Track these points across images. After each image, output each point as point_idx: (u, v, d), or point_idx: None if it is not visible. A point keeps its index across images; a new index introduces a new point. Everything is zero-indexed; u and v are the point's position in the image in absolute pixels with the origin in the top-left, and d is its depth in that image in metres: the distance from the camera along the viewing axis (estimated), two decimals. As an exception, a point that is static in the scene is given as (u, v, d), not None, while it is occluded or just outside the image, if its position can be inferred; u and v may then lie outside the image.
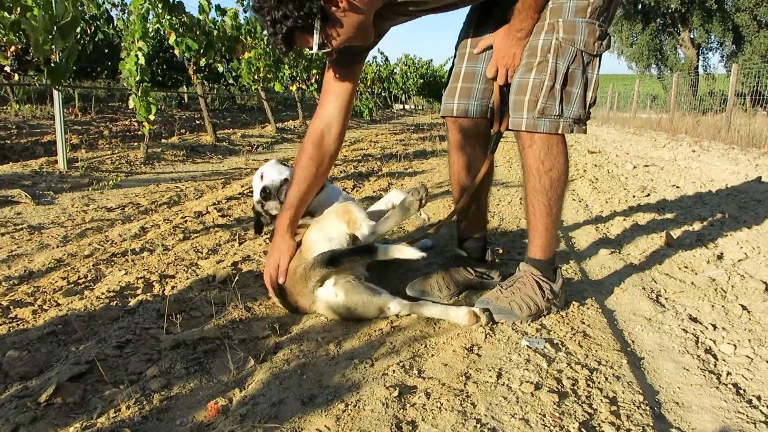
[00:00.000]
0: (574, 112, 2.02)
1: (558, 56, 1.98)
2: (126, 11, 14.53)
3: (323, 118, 2.29)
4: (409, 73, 25.35)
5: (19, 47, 4.55)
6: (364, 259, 2.22)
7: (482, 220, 2.56)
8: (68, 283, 2.63)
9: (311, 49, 1.89)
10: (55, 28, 4.60)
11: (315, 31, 1.84)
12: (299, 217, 2.33)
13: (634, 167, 6.86)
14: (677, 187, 5.43)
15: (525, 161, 2.12)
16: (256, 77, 10.06)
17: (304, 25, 1.82)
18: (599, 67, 2.05)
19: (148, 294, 2.50)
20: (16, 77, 4.89)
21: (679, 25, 24.42)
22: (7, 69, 4.65)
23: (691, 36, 24.43)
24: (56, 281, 2.66)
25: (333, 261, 2.12)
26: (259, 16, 1.87)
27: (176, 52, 7.65)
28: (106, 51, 13.00)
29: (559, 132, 2.04)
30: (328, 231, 2.26)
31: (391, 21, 2.18)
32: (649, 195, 4.97)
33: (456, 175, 2.50)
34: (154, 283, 2.63)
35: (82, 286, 2.62)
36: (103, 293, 2.48)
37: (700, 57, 25.15)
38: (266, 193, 2.57)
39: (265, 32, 9.74)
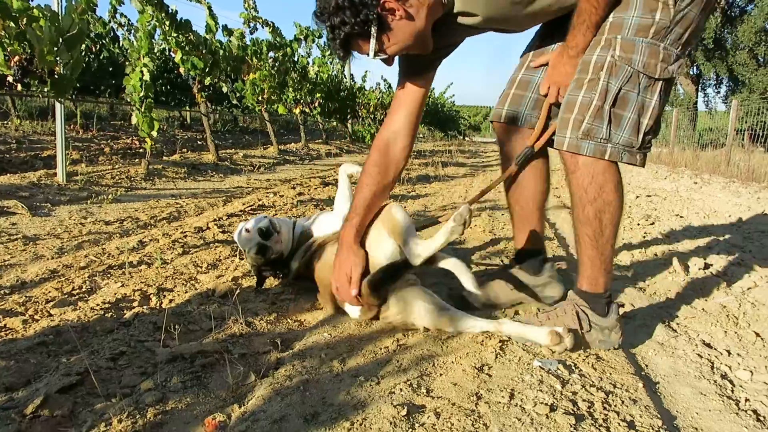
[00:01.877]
0: (625, 137, 1.87)
1: (611, 75, 1.86)
2: (132, 31, 14.62)
3: (390, 129, 2.24)
4: (411, 101, 25.39)
5: (23, 57, 4.52)
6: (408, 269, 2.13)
7: (537, 234, 2.43)
8: (62, 294, 2.56)
9: (368, 55, 1.88)
10: (60, 39, 4.58)
11: (372, 38, 1.84)
12: (365, 226, 2.22)
13: (637, 197, 6.81)
14: (681, 216, 5.37)
15: (570, 188, 2.00)
16: (260, 98, 10.06)
17: (361, 32, 1.83)
18: (662, 94, 1.89)
19: (145, 307, 2.42)
20: (19, 87, 4.84)
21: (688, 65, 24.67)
22: (10, 79, 4.60)
23: (691, 72, 24.64)
24: (49, 292, 2.58)
25: (378, 286, 2.08)
26: (320, 22, 1.89)
27: (181, 70, 7.64)
28: (111, 69, 13.02)
29: (606, 158, 1.88)
30: (380, 242, 2.17)
31: (454, 31, 2.13)
32: (653, 224, 4.91)
33: (511, 195, 2.45)
34: (151, 296, 2.55)
35: (77, 297, 2.54)
36: (97, 304, 2.41)
37: (699, 93, 25.33)
38: (265, 232, 2.58)
39: (323, 40, 9.92)
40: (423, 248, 2.05)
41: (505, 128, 2.37)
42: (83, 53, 10.04)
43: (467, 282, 2.06)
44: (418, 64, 2.16)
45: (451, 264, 2.11)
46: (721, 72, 23.23)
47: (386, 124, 2.27)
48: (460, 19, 2.03)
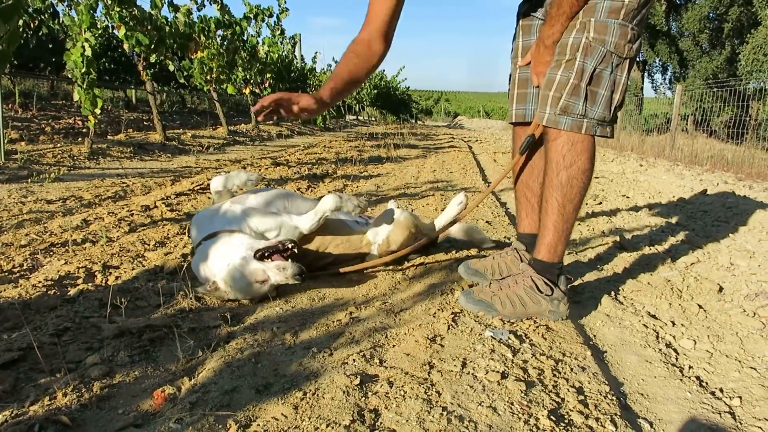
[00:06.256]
0: (599, 113, 1.97)
1: (586, 55, 1.94)
2: (73, 6, 14.06)
3: (370, 31, 2.28)
4: (362, 84, 25.29)
5: (-43, 29, 4.29)
6: None
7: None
8: (1, 272, 2.45)
9: None
10: (-4, 11, 4.36)
11: None
12: (339, 92, 2.33)
13: (585, 178, 6.95)
14: (627, 197, 5.51)
15: (547, 155, 2.06)
16: (208, 77, 9.83)
17: None
18: (629, 71, 2.00)
19: (90, 284, 2.35)
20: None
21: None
22: (-57, 52, 4.37)
23: (637, 59, 25.16)
24: (-12, 269, 2.47)
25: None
26: None
27: (125, 46, 7.40)
28: (51, 46, 12.50)
29: (583, 132, 1.97)
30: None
31: None
32: (601, 203, 5.03)
33: (521, 182, 2.47)
34: (96, 273, 2.48)
35: (17, 274, 2.44)
36: (39, 282, 2.32)
37: (644, 79, 25.92)
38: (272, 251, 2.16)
39: (272, 19, 9.50)
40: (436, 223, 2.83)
41: (522, 128, 2.42)
42: (21, 28, 9.61)
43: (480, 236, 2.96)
44: None
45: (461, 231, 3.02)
46: (666, 59, 23.77)
47: (365, 27, 2.30)
48: None
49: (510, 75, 2.48)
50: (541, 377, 1.61)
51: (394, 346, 1.78)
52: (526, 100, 2.37)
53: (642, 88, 24.56)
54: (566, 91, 1.96)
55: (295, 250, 2.16)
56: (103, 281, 2.40)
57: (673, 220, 4.20)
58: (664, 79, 26.43)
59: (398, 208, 2.73)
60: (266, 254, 2.13)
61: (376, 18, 2.28)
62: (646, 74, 25.78)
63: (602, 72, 1.95)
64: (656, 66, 25.80)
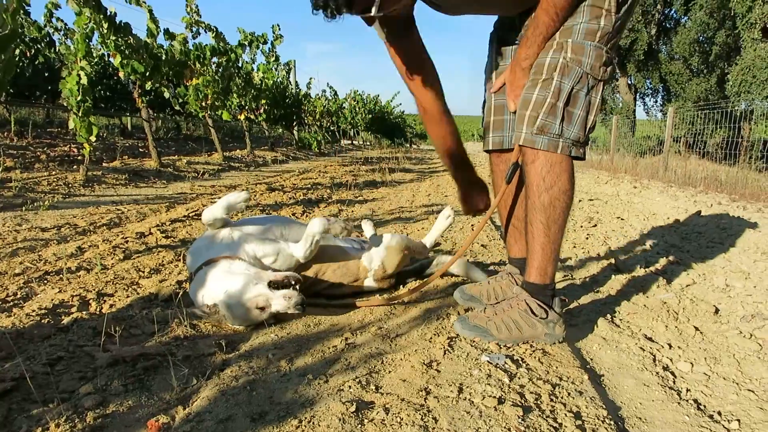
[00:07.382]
0: (574, 133, 1.96)
1: (563, 75, 1.94)
2: (69, 35, 14.14)
3: (423, 98, 2.30)
4: (357, 109, 25.45)
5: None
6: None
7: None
8: (-5, 301, 2.44)
9: (369, 12, 1.76)
10: (-8, 40, 4.39)
11: None
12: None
13: (580, 201, 6.98)
14: (622, 219, 5.52)
15: (527, 178, 2.04)
16: (203, 104, 9.87)
17: None
18: (602, 94, 2.01)
19: (84, 312, 2.33)
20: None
21: (617, 72, 25.27)
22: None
23: (628, 82, 25.37)
24: (-18, 299, 2.46)
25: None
26: None
27: (121, 74, 7.43)
28: (47, 75, 12.56)
29: (558, 152, 1.96)
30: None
31: None
32: (595, 225, 5.03)
33: (506, 209, 2.47)
34: (90, 301, 2.46)
35: (11, 303, 2.43)
36: (33, 311, 2.31)
37: (637, 102, 26.10)
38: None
39: (266, 46, 9.60)
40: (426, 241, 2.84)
41: (498, 155, 2.42)
42: (17, 58, 9.68)
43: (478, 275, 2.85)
44: (400, 23, 2.11)
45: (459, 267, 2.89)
46: (654, 82, 24.02)
47: (418, 95, 2.30)
48: None
49: (484, 102, 2.47)
50: (538, 402, 1.60)
51: (390, 371, 1.77)
52: (503, 127, 2.35)
53: (634, 111, 24.76)
54: (543, 110, 1.95)
55: (298, 287, 2.19)
56: (98, 309, 2.39)
57: (668, 241, 4.21)
58: (655, 101, 26.66)
59: (376, 234, 2.77)
60: (277, 287, 2.15)
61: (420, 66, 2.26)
62: (638, 96, 25.97)
63: (579, 92, 1.96)
64: (646, 90, 26.02)
